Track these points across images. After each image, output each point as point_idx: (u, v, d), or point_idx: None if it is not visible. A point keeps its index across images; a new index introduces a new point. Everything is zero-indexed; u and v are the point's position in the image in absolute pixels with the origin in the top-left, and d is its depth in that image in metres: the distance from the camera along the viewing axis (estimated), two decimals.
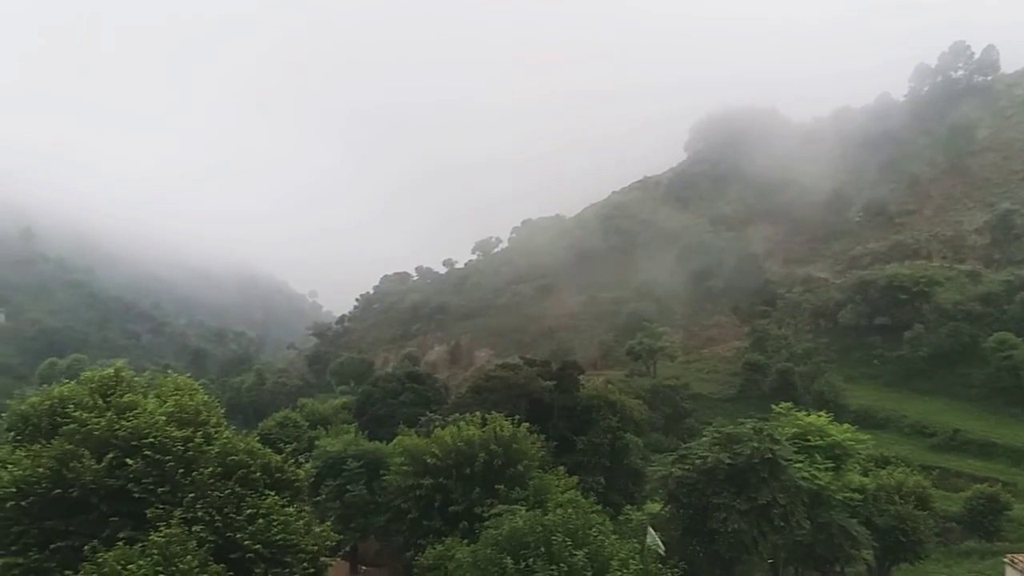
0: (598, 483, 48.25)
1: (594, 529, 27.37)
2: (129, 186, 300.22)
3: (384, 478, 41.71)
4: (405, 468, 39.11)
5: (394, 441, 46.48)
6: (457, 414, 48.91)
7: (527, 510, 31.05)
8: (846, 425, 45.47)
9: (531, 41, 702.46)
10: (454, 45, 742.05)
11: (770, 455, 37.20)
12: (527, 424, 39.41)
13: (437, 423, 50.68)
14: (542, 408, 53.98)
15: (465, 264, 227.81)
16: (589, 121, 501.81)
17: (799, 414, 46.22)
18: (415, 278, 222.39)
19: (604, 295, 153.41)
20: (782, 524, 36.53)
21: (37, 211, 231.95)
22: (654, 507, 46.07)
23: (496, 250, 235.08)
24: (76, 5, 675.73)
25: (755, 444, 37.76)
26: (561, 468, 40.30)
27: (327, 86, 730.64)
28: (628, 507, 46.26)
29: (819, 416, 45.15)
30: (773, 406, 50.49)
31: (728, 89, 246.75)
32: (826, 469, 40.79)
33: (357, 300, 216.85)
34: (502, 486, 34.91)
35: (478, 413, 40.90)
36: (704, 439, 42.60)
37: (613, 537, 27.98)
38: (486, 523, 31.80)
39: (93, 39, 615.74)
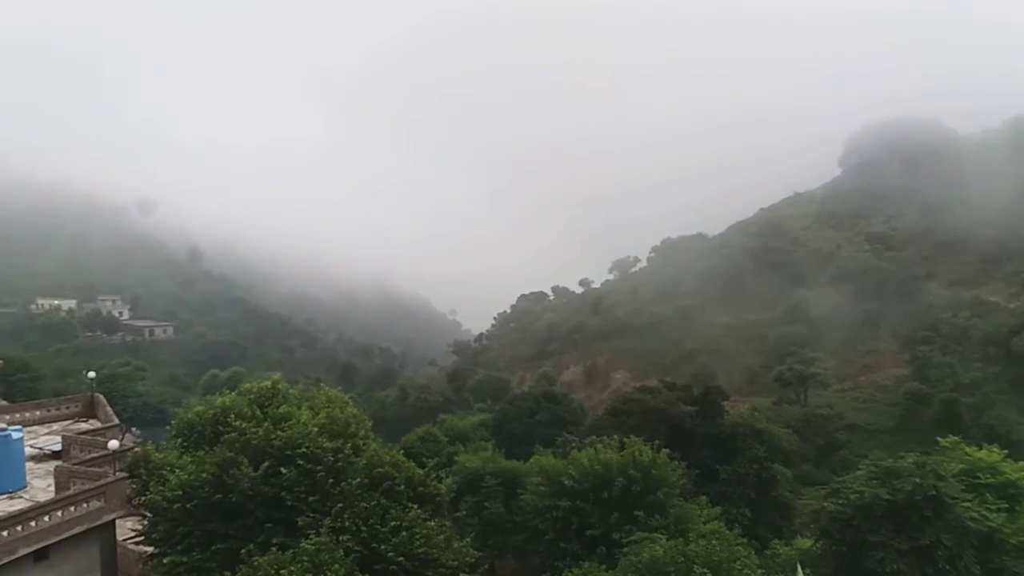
0: (743, 515, 46.40)
1: (738, 563, 26.25)
2: (281, 211, 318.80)
3: (521, 497, 41.82)
4: (542, 488, 39.06)
5: (531, 460, 46.65)
6: (594, 436, 48.51)
7: (667, 539, 30.21)
8: (1022, 463, 41.43)
9: (671, 64, 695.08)
10: (594, 68, 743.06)
11: (934, 492, 34.56)
12: (667, 450, 38.51)
13: (574, 444, 50.51)
14: (683, 434, 52.62)
15: (602, 284, 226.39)
16: (734, 138, 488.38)
17: (967, 449, 42.68)
18: (551, 298, 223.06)
19: (750, 317, 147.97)
20: (947, 568, 33.70)
21: (203, 234, 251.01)
22: (804, 543, 43.65)
23: (634, 270, 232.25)
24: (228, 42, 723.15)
25: (917, 480, 35.14)
26: (703, 498, 39.00)
27: (467, 116, 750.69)
28: (775, 541, 44.11)
29: (990, 451, 41.51)
30: (938, 439, 46.95)
31: (886, 102, 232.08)
32: (999, 510, 37.36)
33: (495, 319, 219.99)
34: (641, 513, 34.21)
35: (616, 436, 40.43)
36: (860, 472, 40.27)
37: (759, 572, 26.71)
38: (625, 549, 31.20)
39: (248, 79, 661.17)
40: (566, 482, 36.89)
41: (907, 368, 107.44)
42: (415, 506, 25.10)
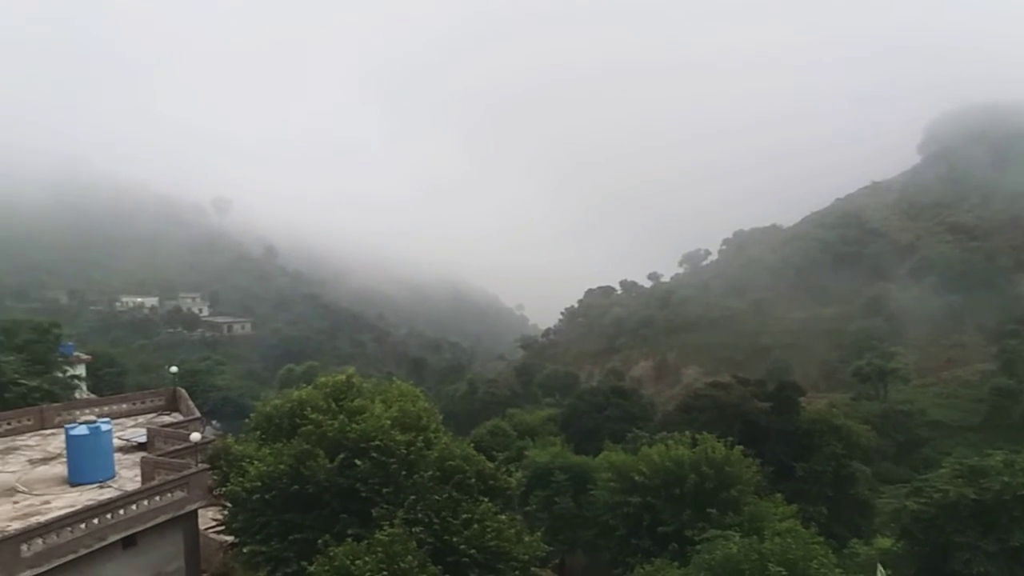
0: (820, 513, 45.27)
1: (815, 561, 25.61)
2: (347, 208, 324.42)
3: (591, 492, 41.62)
4: (612, 484, 38.78)
5: (600, 456, 46.38)
6: (665, 432, 48.06)
7: (741, 537, 29.68)
8: None
9: (739, 51, 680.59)
10: (662, 55, 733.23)
11: None
12: (740, 447, 37.73)
13: (644, 440, 50.06)
14: (757, 430, 51.62)
15: (671, 278, 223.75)
16: (807, 125, 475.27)
17: None
18: (619, 292, 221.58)
19: (826, 311, 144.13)
20: None
21: (276, 231, 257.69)
22: (884, 543, 42.28)
23: (705, 263, 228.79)
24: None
25: (1006, 479, 33.70)
26: (778, 495, 38.10)
27: (527, 110, 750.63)
28: (854, 541, 42.86)
29: None
30: None
31: (967, 87, 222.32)
32: None
33: (562, 314, 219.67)
34: (714, 510, 33.67)
35: (687, 432, 39.84)
36: (944, 471, 38.81)
37: (837, 571, 26.01)
38: (697, 547, 30.76)
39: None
40: (637, 478, 36.53)
41: (994, 363, 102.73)
42: (486, 499, 25.21)
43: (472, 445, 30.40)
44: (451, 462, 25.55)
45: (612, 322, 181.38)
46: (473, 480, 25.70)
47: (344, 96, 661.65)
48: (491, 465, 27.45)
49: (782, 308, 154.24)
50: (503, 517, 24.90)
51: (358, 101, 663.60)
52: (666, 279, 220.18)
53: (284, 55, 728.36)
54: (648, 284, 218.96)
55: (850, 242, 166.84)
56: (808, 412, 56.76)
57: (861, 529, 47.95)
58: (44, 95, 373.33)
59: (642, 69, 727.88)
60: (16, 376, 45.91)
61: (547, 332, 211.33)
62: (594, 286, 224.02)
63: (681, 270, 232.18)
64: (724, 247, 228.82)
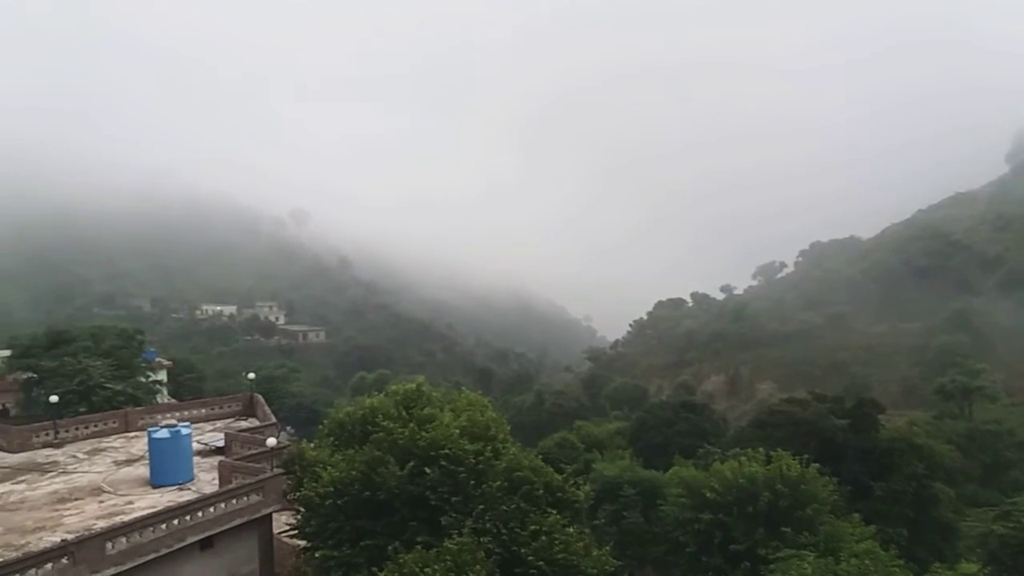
0: (900, 535, 43.61)
1: None
2: (416, 216, 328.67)
3: (661, 508, 41.04)
4: (683, 500, 38.21)
5: (670, 471, 45.79)
6: (737, 448, 47.05)
7: (816, 557, 28.88)
8: None
9: (804, 44, 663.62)
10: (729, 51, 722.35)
11: None
12: (816, 465, 36.67)
13: (716, 456, 49.14)
14: (834, 448, 50.16)
15: (744, 290, 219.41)
16: (885, 128, 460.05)
17: None
18: (690, 304, 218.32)
19: (907, 326, 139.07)
20: None
21: (350, 243, 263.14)
22: (970, 568, 40.24)
23: (780, 275, 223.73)
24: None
25: None
26: (856, 515, 36.84)
27: (590, 112, 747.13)
28: (937, 565, 40.91)
29: None
30: None
31: None
32: None
33: (630, 326, 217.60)
34: (788, 529, 32.82)
35: (761, 449, 38.97)
36: None
37: None
38: (771, 566, 30.06)
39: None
40: (708, 495, 35.90)
41: None
42: (554, 511, 25.04)
43: (540, 457, 30.31)
44: (519, 473, 25.48)
45: (683, 335, 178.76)
46: (541, 492, 25.57)
47: (417, 106, 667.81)
48: (559, 477, 27.29)
49: (861, 323, 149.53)
50: (571, 530, 24.69)
51: (424, 108, 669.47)
52: (739, 291, 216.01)
53: (344, 59, 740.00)
54: (720, 296, 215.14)
55: (933, 255, 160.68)
56: (888, 430, 54.97)
57: (944, 553, 45.86)
58: (130, 110, 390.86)
59: (701, 66, 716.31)
60: (103, 380, 47.86)
61: (615, 344, 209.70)
62: (662, 295, 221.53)
63: (755, 283, 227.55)
64: (800, 259, 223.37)
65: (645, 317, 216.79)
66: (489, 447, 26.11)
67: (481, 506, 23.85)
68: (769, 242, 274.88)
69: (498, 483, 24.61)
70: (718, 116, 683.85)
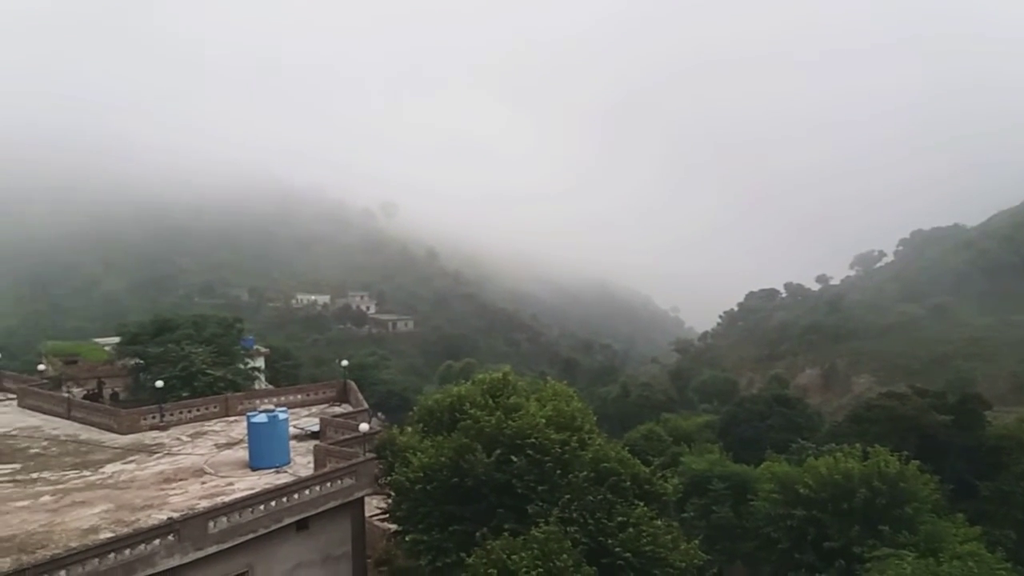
0: (1008, 537, 41.45)
1: None
2: (499, 206, 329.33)
3: (752, 503, 40.22)
4: (775, 496, 37.35)
5: (761, 466, 44.81)
6: (833, 444, 45.75)
7: (916, 557, 27.78)
8: None
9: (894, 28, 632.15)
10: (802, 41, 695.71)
11: None
12: (916, 462, 35.20)
13: (810, 451, 47.93)
14: (935, 445, 48.09)
15: (841, 281, 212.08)
16: (989, 107, 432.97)
17: None
18: (783, 295, 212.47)
19: (1018, 318, 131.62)
20: None
21: (438, 235, 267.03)
22: None
23: (879, 265, 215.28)
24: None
25: None
26: (960, 516, 35.21)
27: (674, 101, 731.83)
28: None
29: None
30: None
31: None
32: None
33: (720, 317, 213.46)
34: (886, 527, 31.69)
35: (858, 445, 37.72)
36: None
37: None
38: (867, 565, 29.14)
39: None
40: (802, 490, 34.95)
41: None
42: (641, 503, 24.84)
43: (626, 448, 30.11)
44: (606, 464, 25.38)
45: (776, 327, 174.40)
46: (628, 483, 25.40)
47: (490, 97, 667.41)
48: (646, 469, 27.04)
49: (965, 315, 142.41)
50: (659, 523, 24.45)
51: (507, 103, 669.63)
52: (835, 282, 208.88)
53: (424, 55, 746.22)
54: (815, 287, 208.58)
55: None
56: (995, 427, 52.37)
57: None
58: (226, 106, 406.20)
59: (783, 54, 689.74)
60: (204, 366, 50.00)
61: (704, 335, 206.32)
62: (756, 288, 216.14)
63: (852, 272, 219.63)
64: (900, 248, 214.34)
65: (736, 308, 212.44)
66: (575, 437, 26.08)
67: (567, 496, 23.86)
68: (867, 231, 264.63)
69: (584, 473, 24.56)
70: (806, 106, 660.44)
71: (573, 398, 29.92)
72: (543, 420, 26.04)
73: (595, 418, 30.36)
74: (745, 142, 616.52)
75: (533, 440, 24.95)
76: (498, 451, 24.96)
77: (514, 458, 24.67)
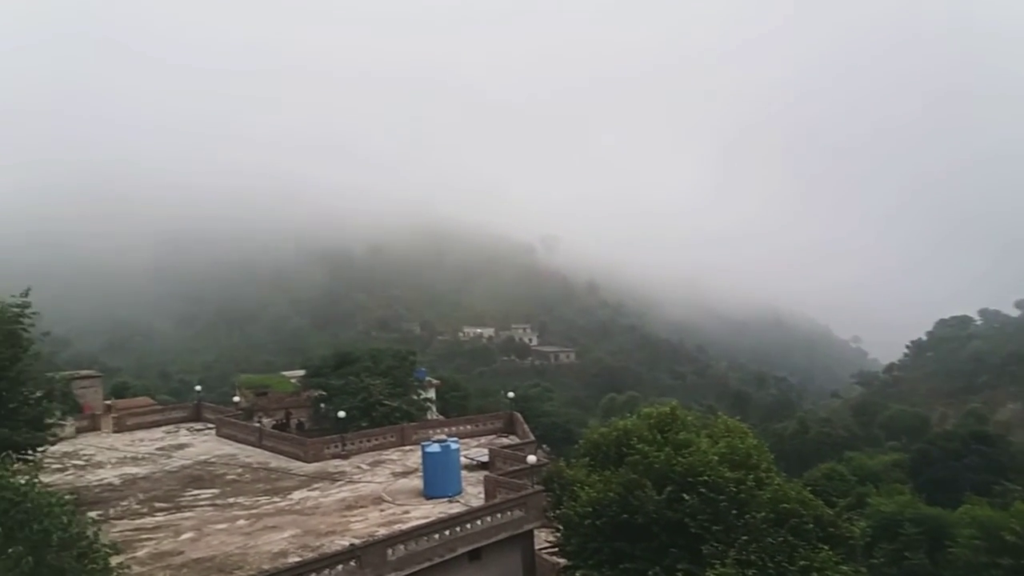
0: None
1: None
2: (665, 242, 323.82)
3: (950, 550, 36.83)
4: (977, 542, 34.11)
5: (960, 509, 41.32)
6: None
7: None
8: None
9: None
10: None
11: None
12: None
13: (1017, 495, 43.44)
14: None
15: None
16: None
17: None
18: (978, 322, 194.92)
19: None
20: None
21: (598, 267, 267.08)
22: None
23: None
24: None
25: None
26: None
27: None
28: None
29: None
30: None
31: None
32: None
33: (907, 347, 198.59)
34: None
35: None
36: None
37: None
38: None
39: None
40: (1008, 537, 31.69)
41: None
42: (825, 547, 23.27)
43: (807, 488, 28.44)
44: (786, 504, 24.03)
45: (970, 357, 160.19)
46: (811, 525, 23.89)
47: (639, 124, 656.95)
48: (830, 511, 25.36)
49: None
50: (846, 568, 22.80)
51: (654, 127, 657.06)
52: None
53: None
54: (1015, 313, 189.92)
55: None
56: None
57: None
58: (388, 143, 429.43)
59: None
60: (381, 397, 52.40)
61: (889, 367, 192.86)
62: (943, 313, 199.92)
63: None
64: None
65: (924, 337, 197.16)
66: (751, 476, 24.93)
67: (744, 537, 22.78)
68: None
69: (763, 514, 23.38)
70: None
71: (747, 434, 28.67)
72: (716, 457, 25.12)
73: (772, 456, 28.97)
74: (933, 172, 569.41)
75: (706, 478, 24.09)
76: (669, 488, 24.29)
77: (686, 496, 23.91)
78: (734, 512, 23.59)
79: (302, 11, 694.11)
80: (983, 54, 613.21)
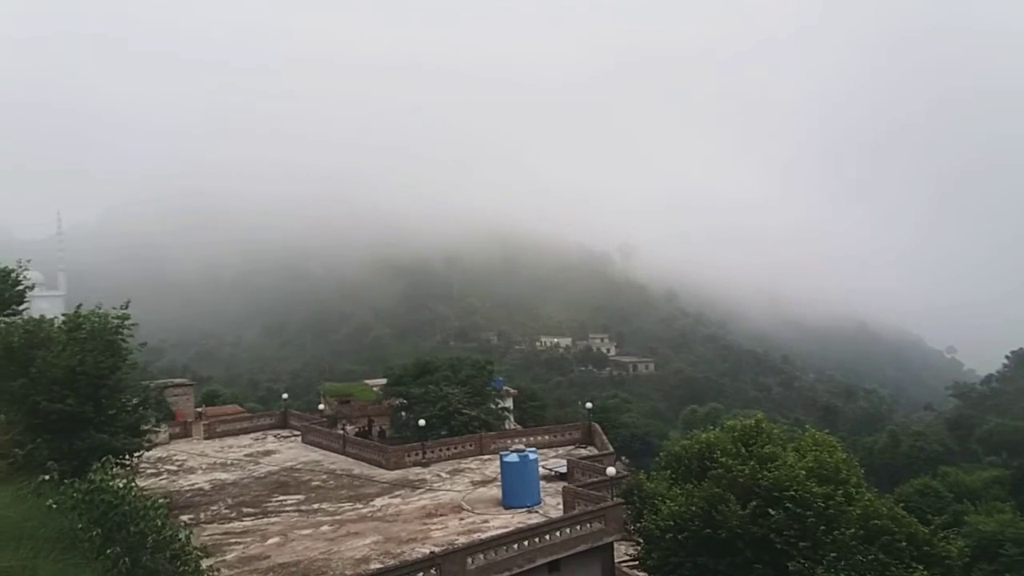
0: None
1: None
2: (740, 252, 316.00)
3: None
4: None
5: None
6: None
7: None
8: None
9: None
10: None
11: None
12: None
13: None
14: None
15: None
16: None
17: None
18: None
19: None
20: None
21: (678, 275, 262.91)
22: None
23: None
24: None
25: None
26: None
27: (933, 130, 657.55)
28: None
29: None
30: None
31: None
32: None
33: (1007, 357, 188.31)
34: None
35: None
36: None
37: None
38: None
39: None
40: None
41: None
42: (920, 567, 22.32)
43: (900, 504, 27.32)
44: (877, 521, 23.19)
45: None
46: (904, 543, 22.98)
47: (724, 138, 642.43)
48: (925, 529, 24.31)
49: None
50: None
51: (733, 141, 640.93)
52: None
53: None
54: None
55: None
56: None
57: None
58: (469, 151, 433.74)
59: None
60: (460, 406, 52.84)
61: (988, 379, 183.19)
62: None
63: None
64: None
65: None
66: (840, 491, 24.17)
67: (833, 554, 22.06)
68: None
69: (852, 530, 22.61)
70: None
71: (836, 448, 27.80)
72: (803, 471, 24.47)
73: (862, 470, 27.97)
74: (1006, 166, 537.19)
75: (792, 493, 23.47)
76: (753, 503, 23.75)
77: (771, 511, 23.34)
78: (822, 528, 22.90)
79: (348, 2, 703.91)
80: None
